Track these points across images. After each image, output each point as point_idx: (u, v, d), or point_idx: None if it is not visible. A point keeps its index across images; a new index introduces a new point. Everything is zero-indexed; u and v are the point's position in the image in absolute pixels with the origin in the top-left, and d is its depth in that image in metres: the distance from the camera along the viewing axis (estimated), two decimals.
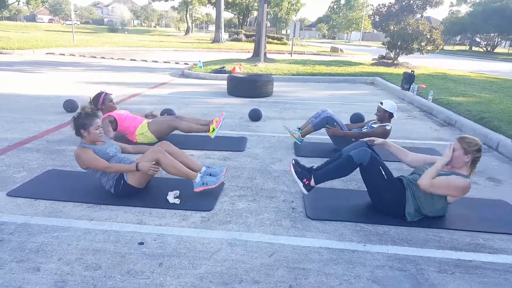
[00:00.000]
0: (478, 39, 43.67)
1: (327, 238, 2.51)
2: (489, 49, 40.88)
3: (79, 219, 2.67)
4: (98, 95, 4.41)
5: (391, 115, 4.09)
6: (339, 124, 4.20)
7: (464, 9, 52.74)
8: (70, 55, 16.03)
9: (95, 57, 15.70)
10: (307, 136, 4.46)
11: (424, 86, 8.12)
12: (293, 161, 3.01)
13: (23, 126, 4.93)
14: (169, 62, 14.72)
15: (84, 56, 15.80)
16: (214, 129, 4.31)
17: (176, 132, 4.83)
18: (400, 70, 12.04)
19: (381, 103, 4.09)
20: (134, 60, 15.23)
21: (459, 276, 2.13)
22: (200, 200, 3.00)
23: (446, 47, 43.68)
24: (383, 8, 14.24)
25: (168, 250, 2.32)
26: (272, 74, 10.19)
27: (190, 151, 4.22)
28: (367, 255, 2.33)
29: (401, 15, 13.75)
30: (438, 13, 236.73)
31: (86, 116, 2.94)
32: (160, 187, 3.19)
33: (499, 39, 41.42)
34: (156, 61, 14.92)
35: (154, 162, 2.92)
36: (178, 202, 2.94)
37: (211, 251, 2.32)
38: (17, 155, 3.88)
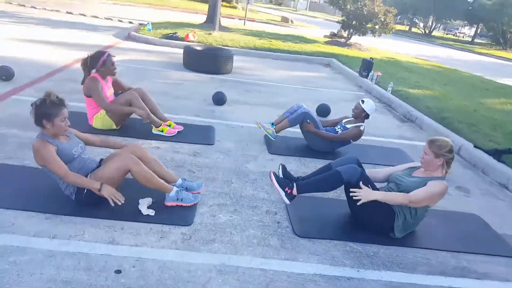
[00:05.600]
0: (417, 21, 45.69)
1: (319, 262, 2.39)
2: (427, 31, 43.12)
3: (38, 236, 2.25)
4: (99, 54, 3.78)
5: (367, 115, 4.05)
6: (315, 121, 4.07)
7: None
8: None
9: (24, 5, 13.60)
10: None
11: (380, 74, 8.24)
12: (279, 169, 2.91)
13: None
14: (111, 19, 13.34)
15: (11, 4, 13.66)
16: (162, 130, 3.99)
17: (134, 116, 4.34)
18: (354, 52, 12.16)
19: (362, 101, 4.00)
20: (71, 13, 13.52)
21: None
22: (176, 211, 2.69)
23: None
24: None
25: (151, 280, 2.04)
26: (228, 46, 9.74)
27: (155, 142, 3.82)
28: (363, 283, 2.26)
29: None
30: None
31: (51, 105, 2.43)
32: (129, 192, 2.78)
33: (435, 23, 43.78)
34: (96, 17, 13.41)
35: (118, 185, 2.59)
36: (153, 214, 2.61)
37: (201, 282, 2.08)
38: None
